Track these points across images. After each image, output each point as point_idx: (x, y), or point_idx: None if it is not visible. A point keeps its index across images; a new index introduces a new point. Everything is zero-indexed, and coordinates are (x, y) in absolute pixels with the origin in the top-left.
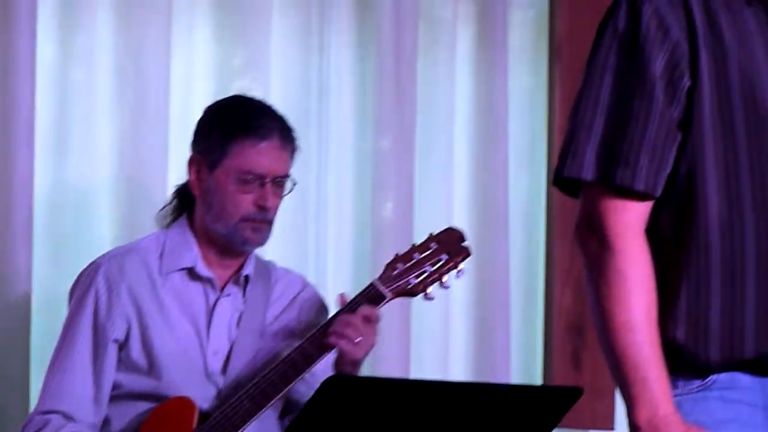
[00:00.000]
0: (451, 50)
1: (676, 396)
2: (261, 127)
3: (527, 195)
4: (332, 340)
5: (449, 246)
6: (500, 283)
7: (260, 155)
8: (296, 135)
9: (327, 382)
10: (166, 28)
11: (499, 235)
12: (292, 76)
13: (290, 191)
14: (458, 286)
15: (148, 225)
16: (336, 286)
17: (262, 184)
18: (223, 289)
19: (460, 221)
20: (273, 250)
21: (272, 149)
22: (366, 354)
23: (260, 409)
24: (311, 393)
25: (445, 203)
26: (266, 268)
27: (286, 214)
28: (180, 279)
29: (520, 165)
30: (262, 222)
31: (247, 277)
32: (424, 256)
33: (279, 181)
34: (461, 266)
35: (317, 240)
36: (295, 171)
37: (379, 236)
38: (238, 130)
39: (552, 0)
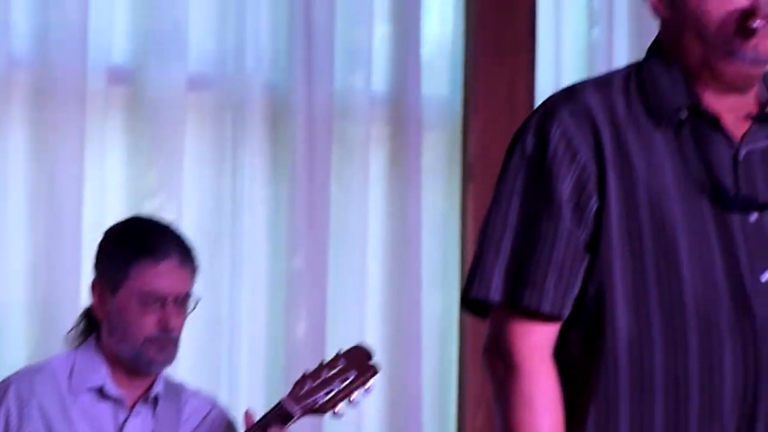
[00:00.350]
0: (364, 171)
1: None
2: (159, 248)
3: (440, 316)
4: None
5: (357, 363)
6: (412, 403)
7: (160, 276)
8: (195, 253)
9: None
10: (79, 147)
11: (411, 356)
12: (204, 196)
13: (194, 309)
14: (371, 406)
15: (61, 345)
16: (249, 405)
17: (164, 305)
18: (132, 408)
19: (373, 340)
20: (186, 370)
21: (172, 269)
22: None
23: None
24: None
25: (357, 323)
26: (176, 389)
27: (199, 333)
28: (89, 399)
29: (433, 285)
30: (166, 342)
31: (156, 397)
32: (333, 374)
33: (181, 300)
34: (369, 383)
35: (230, 359)
36: (207, 291)
37: (293, 355)
38: (137, 251)
39: (465, 121)
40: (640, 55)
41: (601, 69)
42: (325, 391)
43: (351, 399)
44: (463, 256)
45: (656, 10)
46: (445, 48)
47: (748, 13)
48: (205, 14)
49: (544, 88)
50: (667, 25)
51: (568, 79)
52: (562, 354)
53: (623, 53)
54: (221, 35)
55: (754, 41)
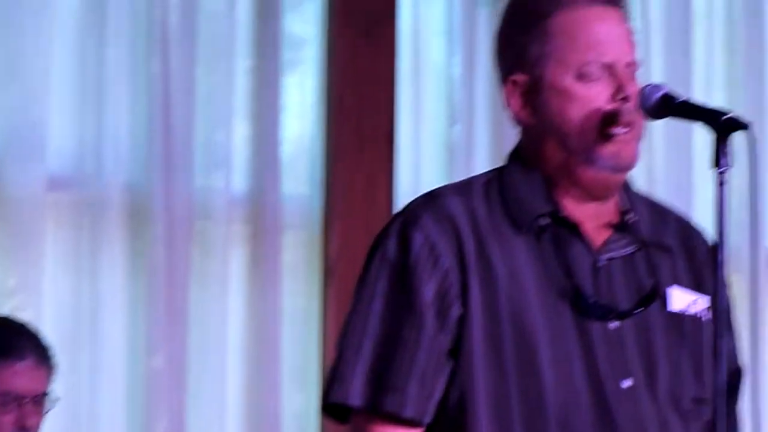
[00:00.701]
0: (224, 271)
1: None
2: (15, 348)
3: (300, 417)
4: None
5: None
6: None
7: (16, 376)
8: (53, 352)
9: None
10: None
11: None
12: (64, 296)
13: (51, 408)
14: None
15: None
16: None
17: (21, 404)
18: None
19: None
20: None
21: (28, 369)
22: None
23: None
24: None
25: (218, 423)
26: None
27: None
28: None
29: (293, 386)
30: None
31: None
32: None
33: (38, 400)
34: None
35: None
36: (66, 391)
37: None
38: None
39: (324, 221)
40: (500, 154)
41: (461, 168)
42: None
43: None
44: (322, 356)
45: (517, 115)
46: (304, 148)
47: (609, 120)
48: (64, 113)
49: (404, 188)
50: (528, 130)
51: (428, 177)
52: None
53: (484, 152)
54: (80, 134)
55: (614, 148)
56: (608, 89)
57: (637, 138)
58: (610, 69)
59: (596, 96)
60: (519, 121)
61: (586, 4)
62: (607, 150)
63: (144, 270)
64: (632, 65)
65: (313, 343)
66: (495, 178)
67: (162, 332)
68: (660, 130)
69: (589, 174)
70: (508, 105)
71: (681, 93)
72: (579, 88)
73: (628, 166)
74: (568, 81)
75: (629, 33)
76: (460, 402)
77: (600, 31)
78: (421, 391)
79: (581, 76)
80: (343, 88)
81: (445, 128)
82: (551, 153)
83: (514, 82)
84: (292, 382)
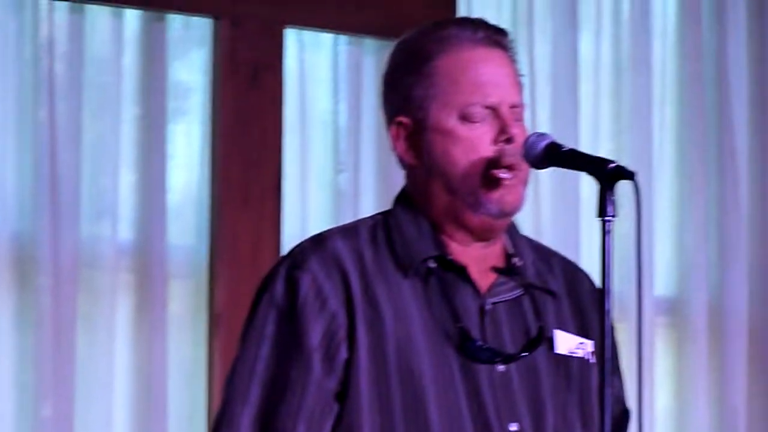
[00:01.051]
0: (110, 319)
1: None
2: None
3: None
4: None
5: None
6: None
7: None
8: None
9: None
10: None
11: None
12: None
13: None
14: None
15: None
16: None
17: None
18: None
19: None
20: None
21: None
22: None
23: None
24: None
25: None
26: None
27: None
28: None
29: None
30: None
31: None
32: None
33: None
34: None
35: None
36: None
37: None
38: None
39: (211, 270)
40: (387, 201)
41: (348, 216)
42: None
43: None
44: (209, 405)
45: (402, 157)
46: (191, 197)
47: (493, 164)
48: None
49: (290, 236)
50: (414, 173)
51: (315, 225)
52: None
53: (370, 200)
54: None
55: (498, 193)
56: (492, 131)
57: (522, 182)
58: (493, 110)
59: (480, 137)
60: (404, 163)
61: (470, 46)
62: (491, 194)
63: (31, 319)
64: (517, 107)
65: (200, 392)
66: (381, 221)
67: (50, 381)
68: (547, 178)
69: (474, 218)
70: (394, 147)
71: (568, 142)
72: (462, 130)
73: (513, 211)
74: (452, 122)
75: (515, 74)
76: None
77: (484, 72)
78: None
79: (465, 118)
80: (229, 137)
81: (331, 176)
82: (437, 195)
83: (399, 124)
84: (179, 431)
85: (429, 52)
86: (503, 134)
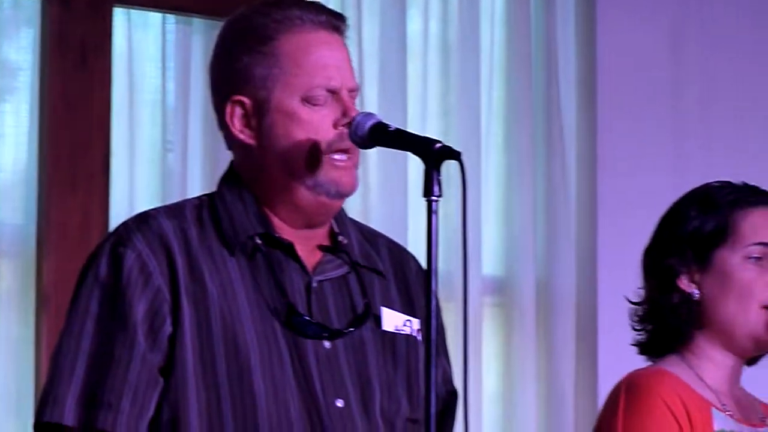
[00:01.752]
0: None
1: None
2: None
3: None
4: None
5: None
6: None
7: None
8: None
9: None
10: None
11: None
12: None
13: None
14: None
15: None
16: None
17: None
18: None
19: None
20: None
21: None
22: None
23: None
24: None
25: None
26: None
27: None
28: None
29: (8, 412)
30: None
31: None
32: None
33: None
34: None
35: None
36: None
37: None
38: None
39: (39, 249)
40: (215, 181)
41: (175, 195)
42: None
43: None
44: (37, 383)
45: (237, 137)
46: (20, 176)
47: (333, 147)
48: None
49: (118, 216)
50: (249, 153)
51: (143, 205)
52: None
53: (197, 180)
54: None
55: (335, 174)
56: (333, 114)
57: (356, 165)
58: (335, 94)
59: (321, 120)
60: (238, 142)
61: (312, 28)
62: (328, 176)
63: None
64: (354, 91)
65: (28, 371)
66: (207, 201)
67: None
68: (375, 158)
69: (309, 198)
70: (229, 126)
71: (395, 122)
72: (305, 112)
73: (350, 192)
74: (295, 104)
75: (350, 59)
76: (172, 420)
77: (326, 55)
78: (133, 409)
79: (308, 100)
80: (58, 116)
81: (159, 155)
82: (274, 175)
83: (236, 102)
84: (7, 410)
85: (271, 32)
86: (345, 118)
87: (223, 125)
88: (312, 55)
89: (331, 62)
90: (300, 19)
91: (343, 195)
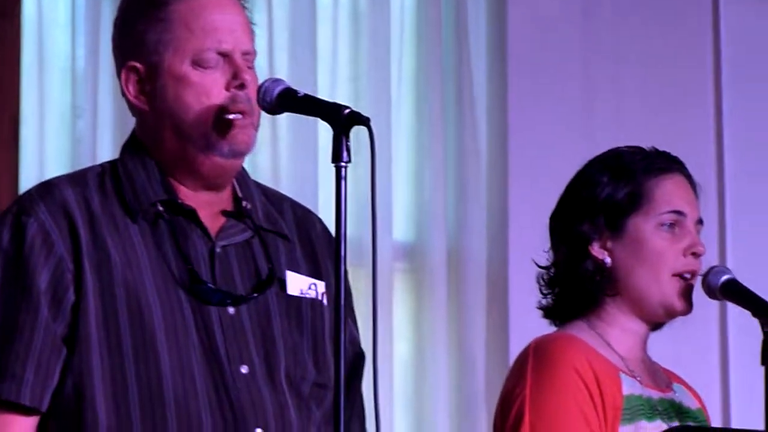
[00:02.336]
0: None
1: None
2: None
3: None
4: None
5: None
6: None
7: None
8: None
9: None
10: None
11: None
12: None
13: None
14: None
15: None
16: None
17: None
18: None
19: None
20: None
21: None
22: None
23: None
24: None
25: None
26: None
27: None
28: None
29: None
30: None
31: None
32: None
33: None
34: None
35: None
36: None
37: None
38: None
39: None
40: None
41: (85, 161)
42: None
43: None
44: None
45: (133, 102)
46: None
47: (225, 109)
48: None
49: (28, 182)
50: (145, 118)
51: (53, 171)
52: None
53: (108, 146)
54: None
55: (229, 134)
56: (224, 76)
57: (253, 125)
58: (227, 57)
59: (212, 83)
60: (135, 108)
61: None
62: (221, 136)
63: None
64: (249, 54)
65: None
66: (109, 168)
67: None
68: (285, 123)
69: (206, 160)
70: (125, 92)
71: (306, 87)
72: (195, 75)
73: (244, 151)
74: (185, 68)
75: (247, 22)
76: (76, 388)
77: (217, 19)
78: (37, 378)
79: (198, 63)
80: None
81: (69, 122)
82: (168, 140)
83: (131, 69)
84: None
85: None
86: (236, 80)
87: (122, 91)
88: (203, 19)
89: (223, 25)
90: None
91: (237, 154)
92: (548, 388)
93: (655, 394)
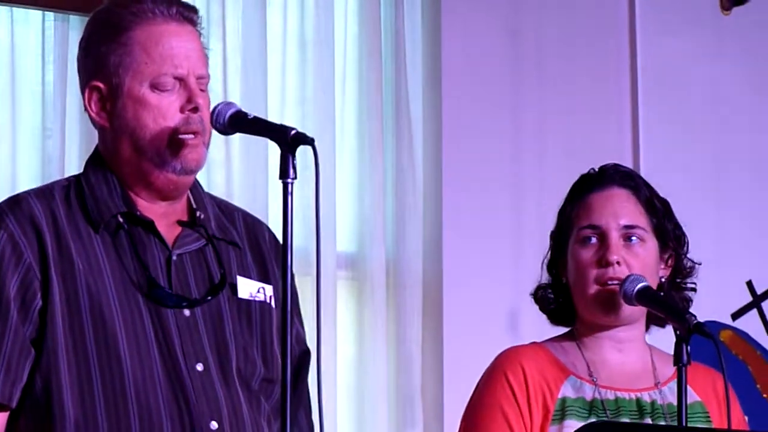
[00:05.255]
0: None
1: None
2: None
3: None
4: None
5: None
6: None
7: None
8: None
9: None
10: None
11: None
12: None
13: None
14: None
15: None
16: None
17: None
18: None
19: None
20: None
21: None
22: None
23: None
24: None
25: None
26: None
27: None
28: None
29: None
30: None
31: None
32: None
33: None
34: None
35: None
36: None
37: None
38: None
39: None
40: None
41: (54, 178)
42: None
43: None
44: None
45: (95, 119)
46: None
47: (179, 130)
48: None
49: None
50: (105, 134)
51: (24, 187)
52: None
53: (75, 163)
54: None
55: (182, 153)
56: (179, 99)
57: (204, 144)
58: (182, 81)
59: (168, 105)
60: (97, 124)
61: (162, 20)
62: (174, 155)
63: None
64: (203, 78)
65: None
66: (74, 182)
67: None
68: (237, 144)
69: (160, 176)
70: (88, 109)
71: (257, 111)
72: (153, 98)
73: (195, 168)
74: (144, 90)
75: (202, 48)
76: (45, 387)
77: (174, 45)
78: (7, 377)
79: (155, 86)
80: None
81: (39, 142)
82: (126, 156)
83: (94, 88)
84: None
85: (125, 23)
86: (190, 103)
87: (85, 109)
88: (161, 45)
89: (179, 51)
90: (152, 12)
91: (188, 171)
92: (480, 393)
93: (611, 395)
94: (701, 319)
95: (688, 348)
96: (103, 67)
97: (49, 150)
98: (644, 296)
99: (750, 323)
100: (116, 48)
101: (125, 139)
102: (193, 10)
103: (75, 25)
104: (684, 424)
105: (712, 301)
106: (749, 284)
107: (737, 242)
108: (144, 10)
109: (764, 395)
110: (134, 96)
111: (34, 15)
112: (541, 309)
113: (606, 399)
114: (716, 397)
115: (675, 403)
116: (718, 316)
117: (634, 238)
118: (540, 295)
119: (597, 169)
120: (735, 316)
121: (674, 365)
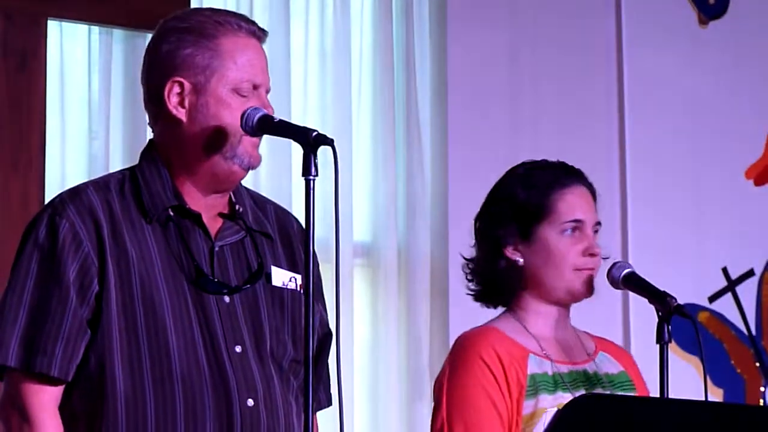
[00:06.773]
0: None
1: None
2: None
3: None
4: None
5: None
6: None
7: None
8: None
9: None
10: None
11: None
12: None
13: None
14: None
15: None
16: None
17: None
18: None
19: None
20: None
21: None
22: None
23: None
24: None
25: None
26: None
27: None
28: None
29: None
30: None
31: None
32: None
33: None
34: None
35: None
36: None
37: None
38: None
39: None
40: (131, 163)
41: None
42: None
43: None
44: None
45: (171, 112)
46: None
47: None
48: None
49: (52, 194)
50: (174, 126)
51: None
52: (66, 409)
53: (118, 163)
54: None
55: (248, 149)
56: (253, 105)
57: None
58: (256, 90)
59: (244, 108)
60: (169, 116)
61: (246, 35)
62: (245, 151)
63: None
64: (268, 91)
65: None
66: (129, 175)
67: None
68: (264, 144)
69: (224, 166)
70: (165, 100)
71: (281, 115)
72: (233, 100)
73: (255, 165)
74: (226, 92)
75: (267, 65)
76: (98, 364)
77: (254, 58)
78: (65, 354)
79: (236, 91)
80: (2, 111)
81: (86, 143)
82: (193, 146)
83: (176, 82)
84: None
85: (212, 31)
86: (263, 108)
87: (157, 101)
88: (245, 56)
89: (258, 64)
90: (238, 26)
91: (252, 167)
92: (459, 376)
93: (565, 368)
94: (681, 301)
95: (669, 327)
96: (189, 65)
97: (95, 150)
98: (630, 281)
99: (725, 306)
100: (204, 51)
101: (201, 131)
102: (265, 31)
103: (118, 38)
104: (666, 395)
105: (691, 285)
106: (725, 270)
107: (714, 233)
108: (231, 23)
109: (738, 370)
110: (217, 96)
111: (81, 29)
112: (471, 282)
113: (563, 372)
114: (632, 368)
115: (610, 372)
116: (696, 299)
117: (597, 232)
118: (471, 271)
119: (558, 163)
120: (712, 299)
121: (657, 343)
